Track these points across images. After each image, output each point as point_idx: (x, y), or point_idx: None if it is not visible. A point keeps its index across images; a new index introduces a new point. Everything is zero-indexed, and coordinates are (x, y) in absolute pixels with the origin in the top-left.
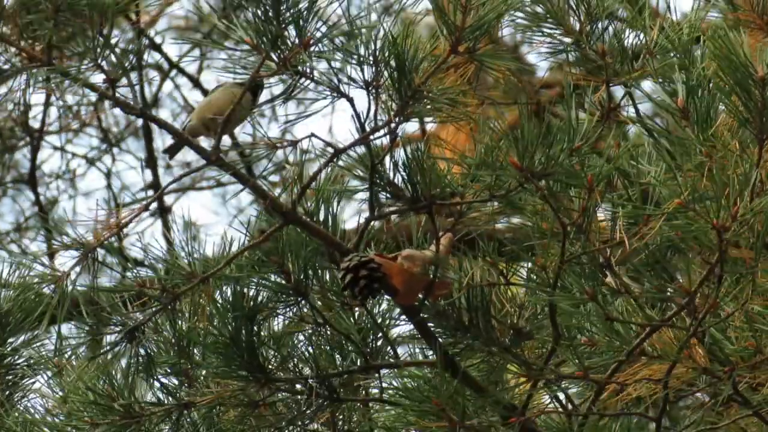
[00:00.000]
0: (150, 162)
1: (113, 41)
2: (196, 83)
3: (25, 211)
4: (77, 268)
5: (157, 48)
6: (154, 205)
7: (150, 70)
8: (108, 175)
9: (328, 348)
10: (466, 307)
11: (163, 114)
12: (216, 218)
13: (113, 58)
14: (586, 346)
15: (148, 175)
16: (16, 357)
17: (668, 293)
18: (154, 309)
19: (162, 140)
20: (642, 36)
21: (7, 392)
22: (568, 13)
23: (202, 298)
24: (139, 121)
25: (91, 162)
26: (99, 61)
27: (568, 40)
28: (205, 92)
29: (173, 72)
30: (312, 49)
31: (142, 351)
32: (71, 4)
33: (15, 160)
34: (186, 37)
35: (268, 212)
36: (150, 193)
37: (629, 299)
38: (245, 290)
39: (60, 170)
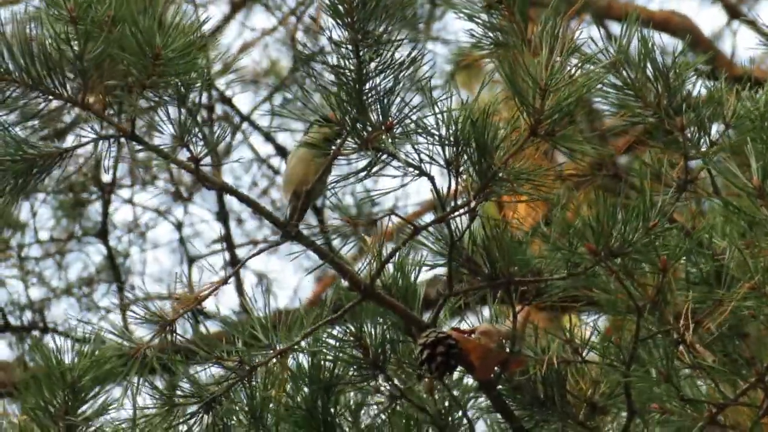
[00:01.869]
0: (221, 215)
1: (199, 120)
2: (267, 137)
3: (96, 264)
4: (155, 341)
5: (228, 101)
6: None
7: (225, 123)
8: (179, 227)
9: (404, 421)
10: (541, 381)
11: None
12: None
13: (199, 135)
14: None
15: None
16: (88, 427)
17: (742, 372)
18: (231, 381)
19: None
20: (720, 107)
21: None
22: (646, 85)
23: (277, 368)
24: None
25: (161, 214)
26: (185, 139)
27: (647, 113)
28: (278, 148)
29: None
30: (394, 131)
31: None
32: (156, 83)
33: (86, 214)
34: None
35: (347, 288)
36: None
37: (704, 377)
38: (322, 362)
39: (131, 223)
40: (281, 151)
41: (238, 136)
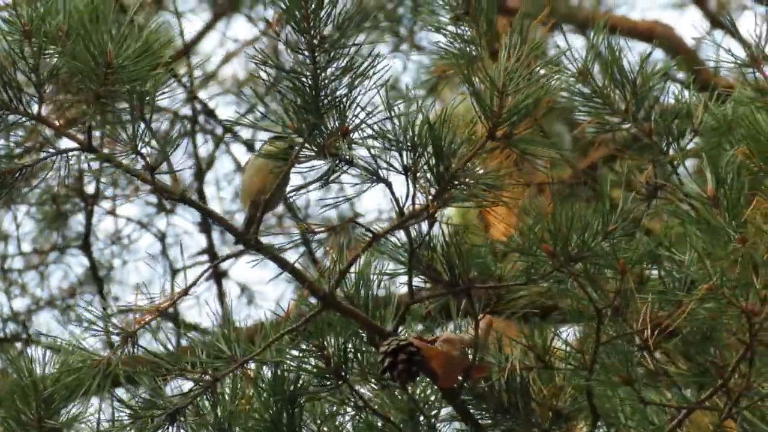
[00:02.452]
0: (204, 226)
1: (153, 126)
2: (250, 147)
3: (78, 275)
4: (118, 353)
5: (210, 113)
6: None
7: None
8: (162, 239)
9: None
10: (505, 389)
11: (221, 171)
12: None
13: (154, 144)
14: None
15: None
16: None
17: (704, 376)
18: (195, 392)
19: (218, 203)
20: (688, 114)
21: None
22: (614, 92)
23: (242, 381)
24: (194, 185)
25: (144, 226)
26: (139, 148)
27: (615, 119)
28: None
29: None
30: (351, 136)
31: None
32: (111, 91)
33: (69, 225)
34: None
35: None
36: (204, 257)
37: (665, 381)
38: (286, 373)
39: (114, 235)
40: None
41: (221, 147)
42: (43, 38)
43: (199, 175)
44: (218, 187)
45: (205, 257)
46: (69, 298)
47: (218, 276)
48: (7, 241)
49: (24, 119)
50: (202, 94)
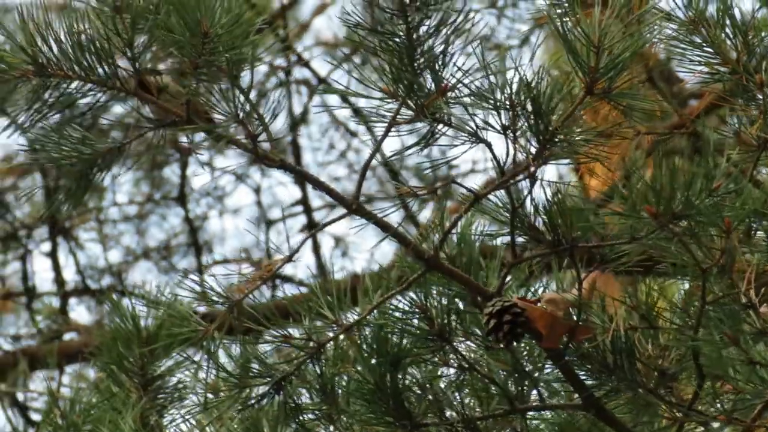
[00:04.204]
0: (298, 179)
1: (252, 96)
2: (344, 99)
3: (175, 227)
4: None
5: (306, 64)
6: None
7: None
8: (257, 191)
9: (473, 392)
10: (610, 349)
11: (313, 129)
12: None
13: (254, 113)
14: (730, 393)
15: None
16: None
17: None
18: (300, 359)
19: (311, 155)
20: None
21: (157, 416)
22: (725, 43)
23: (346, 344)
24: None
25: (239, 177)
26: (240, 117)
27: (724, 69)
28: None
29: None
30: (448, 95)
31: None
32: (208, 61)
33: (164, 177)
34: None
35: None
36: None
37: None
38: (389, 336)
39: (209, 187)
40: (357, 113)
41: (316, 99)
42: (135, 13)
43: (293, 128)
44: (311, 139)
45: (299, 208)
46: (164, 250)
47: (312, 227)
48: (103, 192)
49: (122, 94)
50: (297, 46)
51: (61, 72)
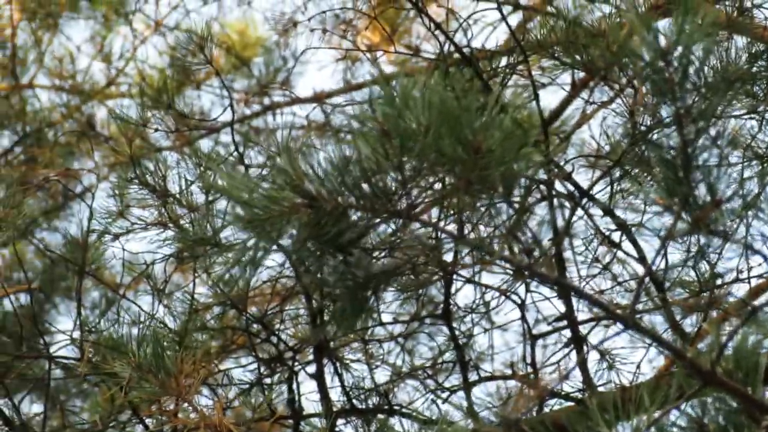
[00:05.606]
0: (563, 292)
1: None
2: (607, 212)
3: (440, 346)
4: None
5: (568, 178)
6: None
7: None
8: (521, 306)
9: None
10: None
11: (576, 242)
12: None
13: (527, 228)
14: None
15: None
16: None
17: None
18: None
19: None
20: None
21: None
22: None
23: None
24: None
25: (503, 293)
26: (514, 232)
27: None
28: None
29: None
30: (723, 207)
31: None
32: (481, 177)
33: (429, 295)
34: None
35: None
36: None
37: None
38: None
39: (474, 303)
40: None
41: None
42: (403, 135)
43: (558, 241)
44: (573, 251)
45: (563, 323)
46: (430, 368)
47: (578, 341)
48: (370, 313)
49: (392, 218)
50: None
51: (332, 201)
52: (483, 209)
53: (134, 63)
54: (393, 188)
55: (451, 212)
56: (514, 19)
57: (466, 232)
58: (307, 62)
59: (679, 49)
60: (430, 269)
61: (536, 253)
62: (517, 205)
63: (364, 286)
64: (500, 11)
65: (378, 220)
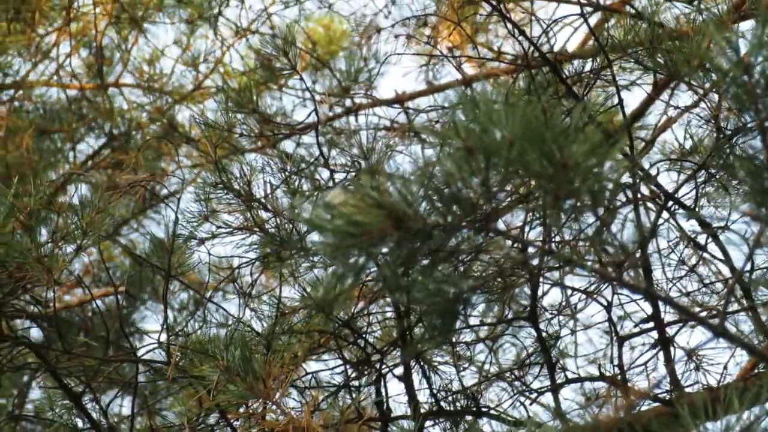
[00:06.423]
0: (649, 295)
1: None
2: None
3: (527, 347)
4: None
5: (653, 181)
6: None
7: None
8: (608, 308)
9: None
10: None
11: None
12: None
13: (615, 240)
14: None
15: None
16: None
17: None
18: None
19: (661, 270)
20: None
21: None
22: None
23: None
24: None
25: (589, 295)
26: (600, 245)
27: None
28: (703, 224)
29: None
30: None
31: None
32: (568, 190)
33: (515, 296)
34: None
35: None
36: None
37: None
38: None
39: (560, 305)
40: (707, 227)
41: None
42: (487, 150)
43: (643, 247)
44: (660, 255)
45: (650, 324)
46: (518, 370)
47: (665, 342)
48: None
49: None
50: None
51: (420, 221)
52: (568, 217)
53: (219, 66)
54: (478, 202)
55: (537, 217)
56: (593, 19)
57: (552, 236)
58: (389, 63)
59: (760, 59)
60: (517, 272)
61: (623, 260)
62: (602, 211)
63: (453, 301)
64: (582, 16)
65: (466, 233)
